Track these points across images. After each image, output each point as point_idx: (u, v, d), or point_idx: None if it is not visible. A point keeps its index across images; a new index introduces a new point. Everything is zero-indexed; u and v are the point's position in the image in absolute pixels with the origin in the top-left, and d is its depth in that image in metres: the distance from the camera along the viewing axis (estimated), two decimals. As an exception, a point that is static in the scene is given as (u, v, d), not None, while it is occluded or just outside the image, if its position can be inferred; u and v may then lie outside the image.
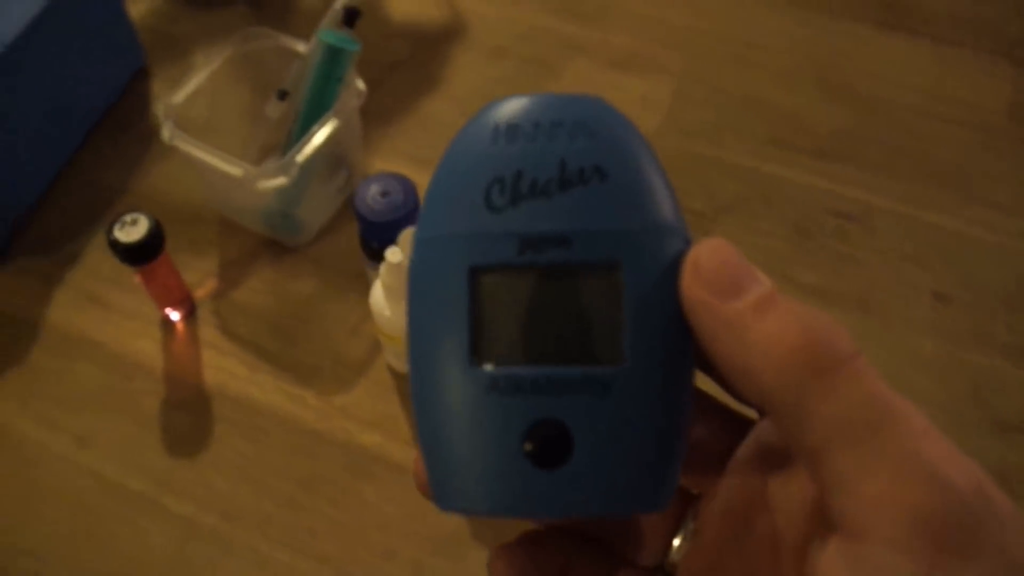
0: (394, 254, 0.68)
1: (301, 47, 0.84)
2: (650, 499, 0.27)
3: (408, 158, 0.94)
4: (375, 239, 0.76)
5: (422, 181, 0.90)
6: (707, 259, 0.26)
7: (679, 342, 0.27)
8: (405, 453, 0.76)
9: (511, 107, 0.29)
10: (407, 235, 0.29)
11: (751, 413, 0.32)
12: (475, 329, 0.27)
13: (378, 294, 0.73)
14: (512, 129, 0.28)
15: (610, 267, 0.27)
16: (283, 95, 0.84)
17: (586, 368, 0.26)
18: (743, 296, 0.25)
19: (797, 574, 0.27)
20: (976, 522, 0.21)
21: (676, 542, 0.32)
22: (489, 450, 0.27)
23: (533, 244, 0.27)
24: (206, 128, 0.81)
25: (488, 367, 0.27)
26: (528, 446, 0.27)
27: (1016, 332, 0.81)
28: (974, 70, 1.01)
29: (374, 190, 0.75)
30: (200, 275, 0.87)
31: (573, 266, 0.27)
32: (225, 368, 0.82)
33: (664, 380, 0.27)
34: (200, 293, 0.86)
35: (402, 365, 0.78)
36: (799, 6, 1.07)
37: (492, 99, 0.30)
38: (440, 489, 0.29)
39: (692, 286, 0.26)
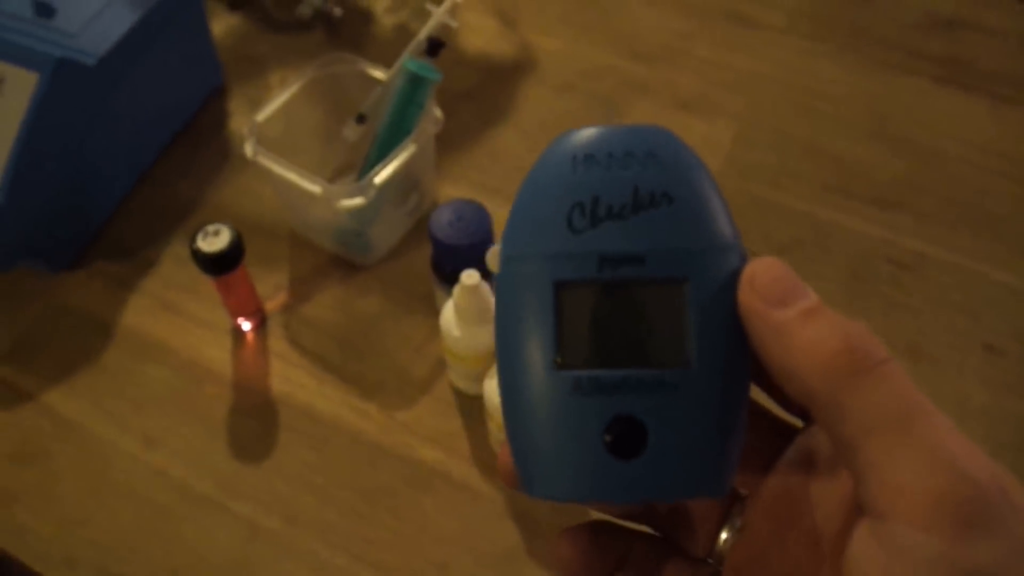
0: (470, 277, 0.71)
1: (379, 73, 0.87)
2: (714, 485, 0.31)
3: (476, 185, 0.97)
4: (447, 262, 0.79)
5: (490, 208, 0.94)
6: (762, 273, 0.29)
7: (737, 348, 0.30)
8: (464, 469, 0.79)
9: (586, 137, 0.32)
10: (495, 252, 0.33)
11: (796, 422, 0.35)
12: (559, 336, 0.31)
13: (449, 315, 0.75)
14: (589, 158, 0.32)
15: (678, 281, 0.30)
16: (362, 119, 0.87)
17: (657, 371, 0.30)
18: (791, 306, 0.28)
19: (835, 566, 0.30)
20: (993, 509, 0.24)
21: (723, 536, 0.35)
22: (573, 443, 0.30)
23: (611, 262, 0.30)
24: (281, 146, 0.85)
25: (571, 370, 0.31)
26: (608, 439, 0.30)
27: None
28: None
29: (449, 215, 0.78)
30: (271, 288, 0.90)
31: (646, 281, 0.31)
32: (292, 379, 0.84)
33: (724, 381, 0.30)
34: (271, 305, 0.89)
35: (466, 384, 0.81)
36: (860, 58, 1.10)
37: (558, 132, 0.34)
38: (529, 478, 0.32)
39: (747, 296, 0.29)
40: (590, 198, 0.31)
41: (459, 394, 0.82)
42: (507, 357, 0.32)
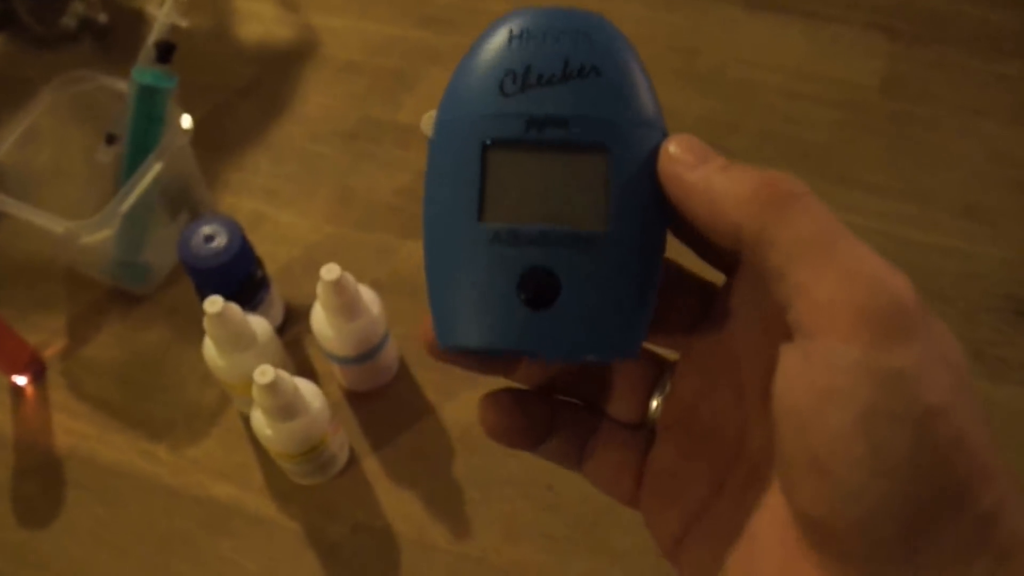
0: (212, 304, 0.65)
1: (124, 86, 0.80)
2: (625, 346, 0.32)
3: (260, 190, 0.91)
4: (205, 285, 0.73)
5: (276, 213, 0.88)
6: (676, 147, 0.31)
7: (653, 215, 0.32)
8: (260, 502, 0.74)
9: (525, 17, 0.33)
10: (430, 116, 0.31)
11: (720, 279, 0.35)
12: (483, 192, 0.32)
13: (209, 346, 0.70)
14: (525, 32, 0.33)
15: (600, 148, 0.31)
16: (111, 139, 0.81)
17: (574, 228, 0.31)
18: (709, 163, 0.30)
19: (759, 413, 0.32)
20: (911, 319, 0.25)
21: (655, 401, 0.37)
22: (488, 291, 0.31)
23: (537, 123, 0.32)
24: (54, 176, 0.78)
25: (492, 223, 0.31)
26: (521, 288, 0.31)
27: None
28: (846, 45, 0.98)
29: (197, 235, 0.72)
30: (48, 334, 0.84)
31: (570, 144, 0.32)
32: (75, 430, 0.79)
33: (638, 244, 0.32)
34: (49, 352, 0.83)
35: (249, 410, 0.75)
36: (662, -10, 1.04)
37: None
38: (443, 329, 0.33)
39: (667, 163, 0.31)
40: (523, 67, 0.32)
41: (247, 422, 0.77)
42: (431, 213, 0.33)
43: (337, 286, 0.66)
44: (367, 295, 0.70)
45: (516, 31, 0.33)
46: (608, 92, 0.32)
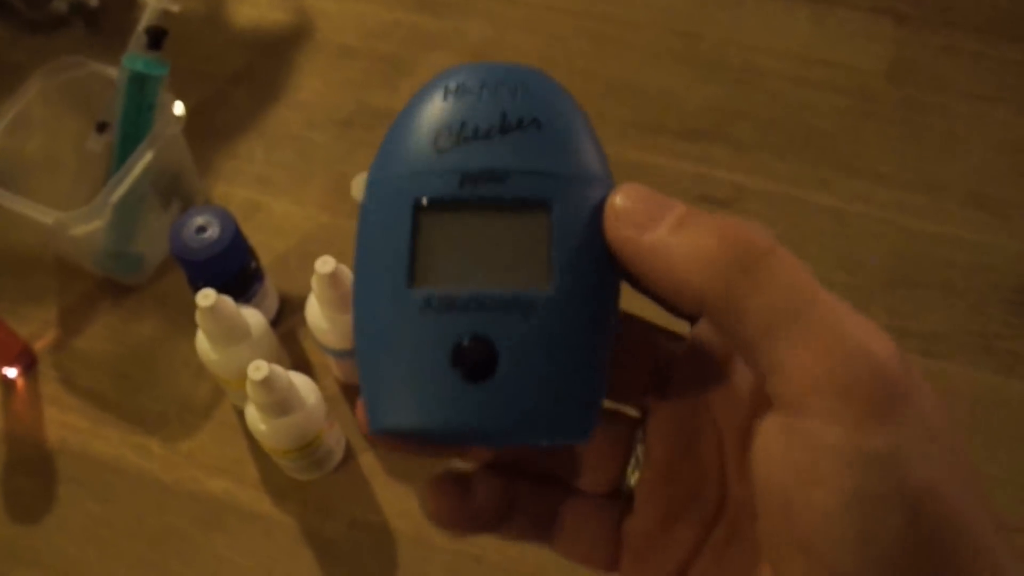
0: (205, 297, 0.63)
1: (115, 72, 0.78)
2: (575, 427, 0.29)
3: (254, 178, 0.89)
4: (197, 277, 0.71)
5: (270, 202, 0.86)
6: (623, 200, 0.28)
7: (600, 275, 0.29)
8: (254, 496, 0.73)
9: (461, 72, 0.31)
10: (360, 179, 0.29)
11: (684, 328, 0.33)
12: (414, 255, 0.29)
13: (202, 339, 0.68)
14: (460, 88, 0.31)
15: (540, 204, 0.29)
16: (102, 127, 0.79)
17: (513, 291, 0.29)
18: (660, 223, 0.27)
19: (740, 466, 0.30)
20: (897, 390, 0.24)
21: (630, 466, 0.34)
22: (419, 365, 0.29)
23: (472, 179, 0.29)
24: (44, 164, 0.77)
25: (422, 289, 0.29)
26: (456, 361, 0.28)
27: (895, 313, 0.77)
28: (852, 30, 0.96)
29: (189, 227, 0.70)
30: (39, 325, 0.82)
31: (507, 200, 0.29)
32: (68, 424, 0.77)
33: (586, 307, 0.29)
34: (40, 345, 0.81)
35: (244, 404, 0.74)
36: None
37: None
38: (373, 410, 0.30)
39: (614, 226, 0.28)
40: (458, 122, 0.30)
41: (241, 416, 0.75)
42: (360, 280, 0.31)
43: (332, 279, 0.65)
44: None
45: (452, 87, 0.31)
46: (549, 144, 0.30)
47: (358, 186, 0.32)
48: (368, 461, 0.73)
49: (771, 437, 0.25)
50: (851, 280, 0.79)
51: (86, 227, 0.72)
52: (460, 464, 0.34)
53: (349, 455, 0.74)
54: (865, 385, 0.23)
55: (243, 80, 0.97)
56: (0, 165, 0.76)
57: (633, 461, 0.34)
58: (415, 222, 0.29)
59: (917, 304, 0.77)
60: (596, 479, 0.35)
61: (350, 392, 0.77)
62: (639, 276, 0.28)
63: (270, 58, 0.99)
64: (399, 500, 0.72)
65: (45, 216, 0.71)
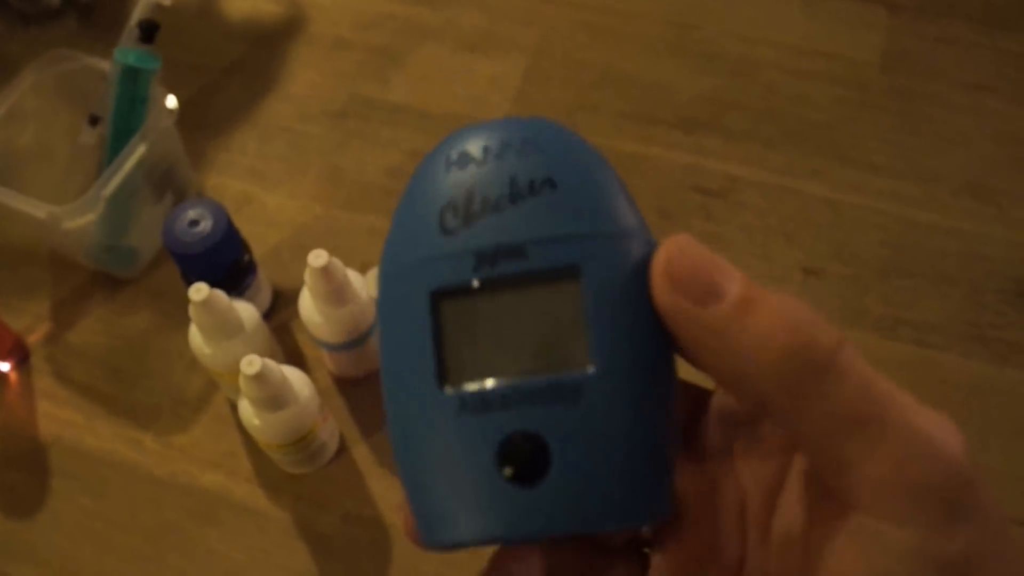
0: (197, 291, 0.63)
1: (107, 66, 0.78)
2: (644, 508, 0.27)
3: (247, 171, 0.89)
4: (190, 271, 0.71)
5: (263, 194, 0.86)
6: (677, 262, 0.25)
7: (650, 343, 0.27)
8: (247, 492, 0.73)
9: (462, 137, 0.29)
10: (373, 274, 0.28)
11: (708, 383, 0.31)
12: (439, 353, 0.27)
13: (195, 333, 0.68)
14: (463, 156, 0.28)
15: (568, 272, 0.26)
16: (95, 120, 0.79)
17: (553, 376, 0.26)
18: (723, 298, 0.25)
19: (763, 531, 0.29)
20: (967, 488, 0.23)
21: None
22: (465, 475, 0.26)
23: (488, 258, 0.27)
24: (36, 158, 0.76)
25: (455, 389, 0.27)
26: (504, 464, 0.26)
27: (890, 303, 0.77)
28: (846, 20, 0.96)
29: (181, 220, 0.70)
30: (32, 319, 0.82)
31: (530, 275, 0.27)
32: (61, 418, 0.77)
33: (637, 382, 0.26)
34: (33, 338, 0.81)
35: (238, 397, 0.74)
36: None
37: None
38: (424, 524, 0.28)
39: (667, 293, 0.25)
40: (464, 195, 0.27)
41: (234, 408, 0.75)
42: (388, 381, 0.28)
43: (325, 272, 0.64)
44: (356, 280, 0.69)
45: (453, 157, 0.28)
46: (567, 203, 0.27)
47: (372, 281, 0.29)
48: (362, 454, 0.73)
49: (839, 536, 0.25)
50: (845, 270, 0.78)
51: (79, 221, 0.72)
52: None
53: (343, 448, 0.73)
54: (938, 487, 0.23)
55: (236, 72, 0.96)
56: (6, 155, 0.75)
57: None
58: (434, 317, 0.27)
59: (911, 294, 0.77)
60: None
61: (344, 385, 0.76)
62: (689, 348, 0.26)
63: (263, 50, 0.98)
64: (394, 494, 0.71)
65: (38, 210, 0.71)
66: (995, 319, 0.76)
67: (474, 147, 0.28)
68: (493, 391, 0.26)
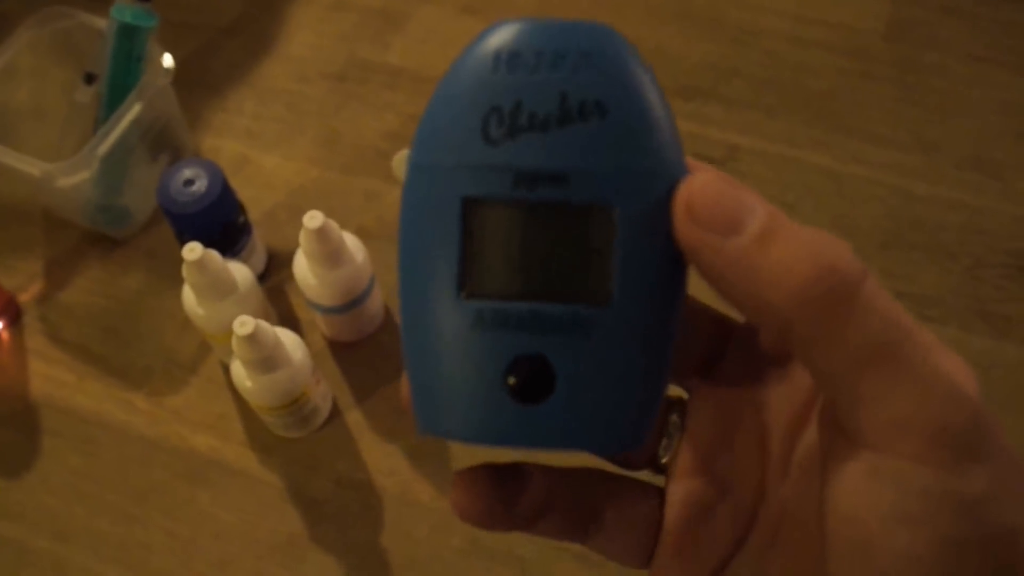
0: (191, 251, 0.63)
1: (103, 23, 0.77)
2: (628, 438, 0.28)
3: (243, 132, 0.88)
4: (185, 230, 0.70)
5: (259, 156, 0.85)
6: (700, 197, 0.25)
7: (668, 285, 0.27)
8: (240, 453, 0.72)
9: (515, 32, 0.28)
10: (402, 157, 0.27)
11: (736, 314, 0.30)
12: (464, 261, 0.27)
13: (188, 293, 0.67)
14: (514, 57, 0.27)
15: (604, 209, 0.26)
16: (90, 78, 0.78)
17: (572, 307, 0.27)
18: (744, 230, 0.24)
19: (783, 465, 0.30)
20: (987, 428, 0.23)
21: (661, 446, 0.33)
22: (472, 382, 0.27)
23: (527, 179, 0.27)
24: (31, 116, 0.76)
25: (475, 300, 0.27)
26: (510, 380, 0.27)
27: (890, 275, 0.76)
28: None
29: (176, 180, 0.69)
30: (25, 278, 0.81)
31: (567, 204, 0.27)
32: (53, 377, 0.77)
33: (648, 324, 0.27)
34: (25, 297, 0.81)
35: (230, 360, 0.74)
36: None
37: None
38: (423, 414, 0.28)
39: (689, 228, 0.25)
40: (511, 104, 0.27)
41: (227, 371, 0.75)
42: (407, 280, 0.28)
43: (320, 234, 0.64)
44: (352, 242, 0.68)
45: (504, 54, 0.27)
46: (615, 136, 0.26)
47: (399, 164, 0.29)
48: (355, 419, 0.73)
49: (854, 475, 0.24)
50: (847, 243, 0.78)
51: (73, 179, 0.71)
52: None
53: (336, 413, 0.73)
54: (958, 427, 0.23)
55: (234, 33, 0.95)
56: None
57: (666, 440, 0.33)
58: (464, 224, 0.27)
59: (911, 266, 0.77)
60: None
61: (337, 349, 0.76)
62: (713, 282, 0.26)
63: (261, 10, 0.97)
64: (386, 458, 0.71)
65: (32, 167, 0.70)
66: (995, 293, 0.75)
67: (528, 50, 0.27)
68: (511, 310, 0.27)
